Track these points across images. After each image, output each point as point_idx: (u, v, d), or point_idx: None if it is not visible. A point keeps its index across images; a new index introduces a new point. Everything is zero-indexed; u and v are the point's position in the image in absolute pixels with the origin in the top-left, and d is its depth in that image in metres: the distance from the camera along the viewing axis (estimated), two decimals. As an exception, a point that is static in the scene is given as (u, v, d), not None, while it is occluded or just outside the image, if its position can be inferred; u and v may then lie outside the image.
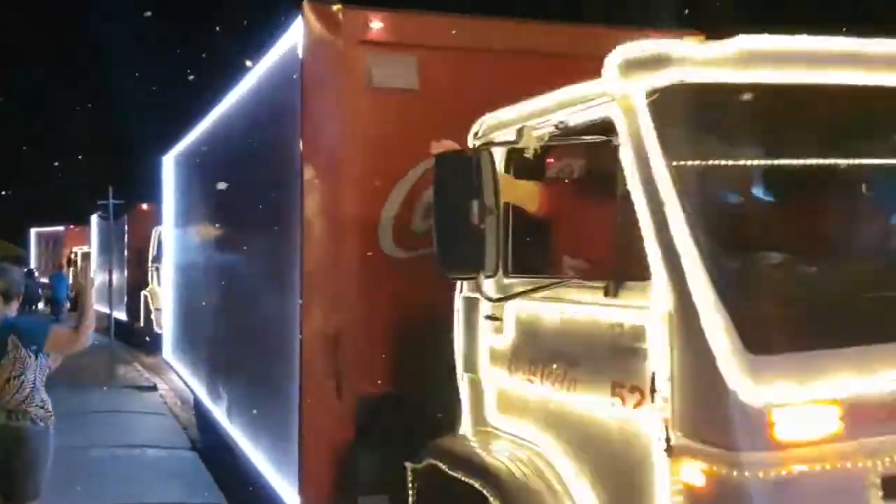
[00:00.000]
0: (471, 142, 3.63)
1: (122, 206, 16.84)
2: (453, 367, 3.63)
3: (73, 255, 33.58)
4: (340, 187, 4.43)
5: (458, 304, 3.64)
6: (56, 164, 43.84)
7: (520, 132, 3.06)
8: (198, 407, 8.71)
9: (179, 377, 9.89)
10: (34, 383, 4.41)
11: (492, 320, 3.37)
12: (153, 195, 18.28)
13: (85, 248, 32.13)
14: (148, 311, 18.17)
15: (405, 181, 4.43)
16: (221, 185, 6.62)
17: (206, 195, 7.81)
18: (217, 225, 7.33)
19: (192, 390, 8.81)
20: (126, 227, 19.83)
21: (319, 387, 4.36)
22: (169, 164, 10.54)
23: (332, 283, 4.43)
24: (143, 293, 18.58)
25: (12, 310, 4.54)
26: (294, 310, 4.56)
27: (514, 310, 3.26)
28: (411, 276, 4.26)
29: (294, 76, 4.53)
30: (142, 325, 18.92)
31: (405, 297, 4.29)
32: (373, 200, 4.44)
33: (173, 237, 10.36)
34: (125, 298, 19.98)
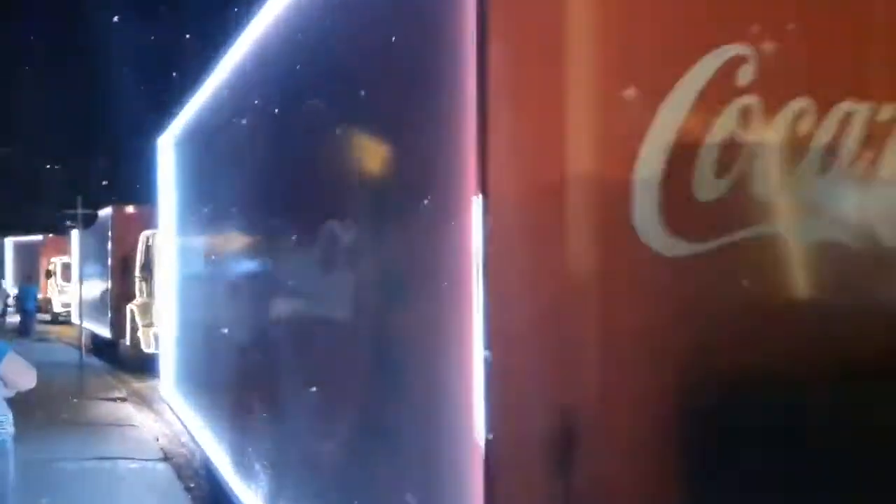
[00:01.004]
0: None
1: (91, 216, 15.63)
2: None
3: (51, 266, 31.33)
4: (547, 132, 2.23)
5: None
6: (32, 166, 41.58)
7: None
8: (212, 479, 6.21)
9: (186, 429, 7.48)
10: None
11: None
12: (140, 195, 16.52)
13: (65, 259, 30.10)
14: (134, 327, 15.88)
15: (675, 103, 2.25)
16: (310, 111, 4.03)
17: (234, 177, 5.54)
18: (261, 218, 4.92)
19: (203, 451, 6.49)
20: (110, 234, 17.53)
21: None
22: (167, 148, 8.21)
23: (541, 319, 2.23)
24: (128, 307, 16.29)
25: None
26: (451, 361, 2.35)
27: None
28: (707, 295, 2.20)
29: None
30: (127, 342, 16.61)
31: (700, 343, 2.18)
32: (614, 150, 2.28)
33: (177, 239, 8.00)
34: (108, 313, 17.63)
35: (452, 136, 2.29)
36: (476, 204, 2.16)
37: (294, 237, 4.15)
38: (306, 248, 3.82)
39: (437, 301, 2.42)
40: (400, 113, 2.79)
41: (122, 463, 8.24)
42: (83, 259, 21.19)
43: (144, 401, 12.56)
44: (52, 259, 31.55)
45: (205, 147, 6.68)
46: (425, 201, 2.51)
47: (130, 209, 17.71)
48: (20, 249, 37.67)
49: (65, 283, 30.52)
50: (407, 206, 2.65)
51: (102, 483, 7.55)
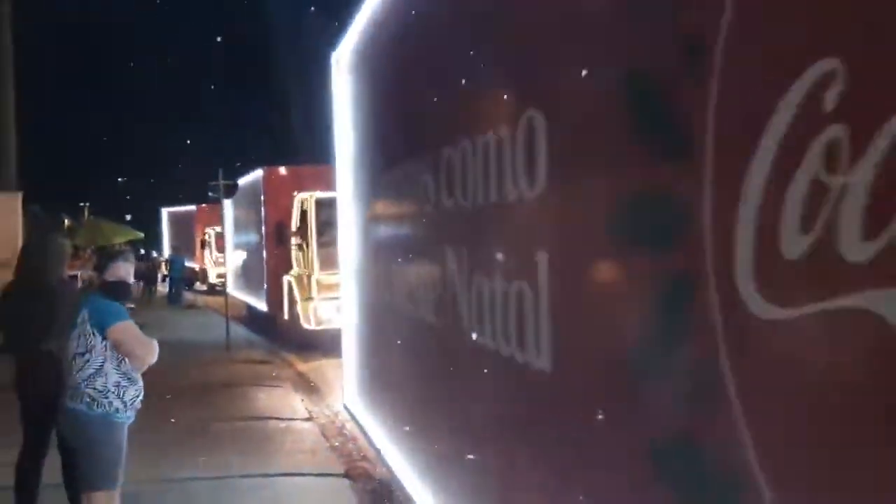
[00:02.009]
0: None
1: (232, 186, 14.68)
2: None
3: (206, 236, 30.84)
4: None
5: None
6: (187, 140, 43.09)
7: None
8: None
9: (383, 461, 5.21)
10: (101, 366, 4.11)
11: None
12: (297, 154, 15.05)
13: (219, 228, 29.54)
14: (292, 301, 14.32)
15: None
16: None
17: (451, 101, 3.32)
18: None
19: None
20: (262, 199, 16.06)
21: None
22: (344, 66, 6.01)
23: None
24: (285, 279, 14.75)
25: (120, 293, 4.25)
26: None
27: None
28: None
29: None
30: (286, 317, 15.14)
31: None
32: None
33: (364, 191, 5.70)
34: (264, 285, 16.24)
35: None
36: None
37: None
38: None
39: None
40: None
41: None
42: (235, 227, 20.15)
43: (305, 389, 10.83)
44: (207, 229, 31.06)
45: (404, 61, 4.50)
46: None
47: (283, 170, 16.18)
48: (175, 220, 37.75)
49: (220, 254, 30.01)
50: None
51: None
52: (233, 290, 20.86)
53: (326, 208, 14.29)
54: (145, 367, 4.23)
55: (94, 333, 4.12)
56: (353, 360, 6.42)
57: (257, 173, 16.58)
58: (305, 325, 13.58)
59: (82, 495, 4.15)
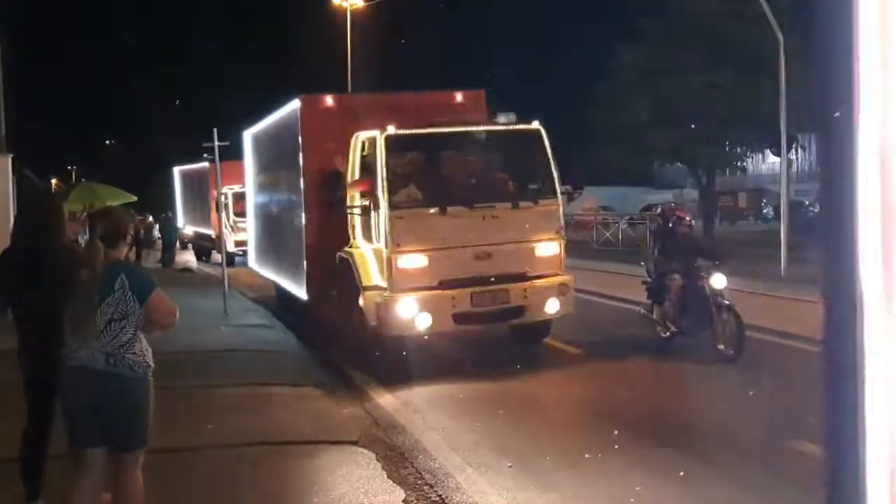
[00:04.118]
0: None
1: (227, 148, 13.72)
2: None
3: (222, 197, 26.10)
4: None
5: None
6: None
7: None
8: None
9: None
10: (135, 332, 4.27)
11: None
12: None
13: (237, 188, 24.96)
14: (353, 290, 9.62)
15: None
16: None
17: None
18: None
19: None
20: (300, 142, 11.28)
21: None
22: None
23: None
24: (339, 255, 10.04)
25: (121, 253, 4.46)
26: None
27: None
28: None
29: None
30: (339, 311, 10.44)
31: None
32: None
33: None
34: (303, 262, 11.50)
35: None
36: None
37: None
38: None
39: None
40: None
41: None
42: (259, 184, 15.51)
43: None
44: (223, 189, 26.32)
45: None
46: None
47: (329, 100, 11.38)
48: (187, 179, 33.03)
49: (239, 219, 25.35)
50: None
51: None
52: (256, 264, 16.17)
53: (404, 152, 9.56)
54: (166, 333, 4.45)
55: (133, 300, 4.22)
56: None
57: (291, 107, 11.81)
58: (380, 328, 8.93)
59: (124, 455, 4.26)
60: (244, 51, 44.75)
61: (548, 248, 9.23)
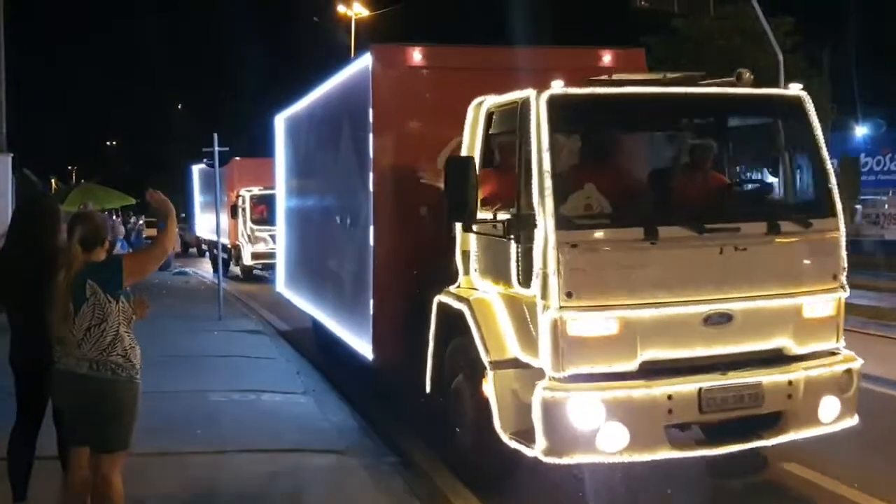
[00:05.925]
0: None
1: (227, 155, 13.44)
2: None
3: (238, 201, 22.28)
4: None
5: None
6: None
7: None
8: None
9: None
10: (116, 331, 4.25)
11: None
12: None
13: (256, 190, 21.28)
14: (465, 363, 5.70)
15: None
16: None
17: None
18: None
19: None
20: (370, 119, 7.33)
21: None
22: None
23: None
24: (442, 300, 6.10)
25: (98, 257, 4.35)
26: None
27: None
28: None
29: None
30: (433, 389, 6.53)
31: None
32: None
33: None
34: (369, 302, 7.52)
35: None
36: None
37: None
38: None
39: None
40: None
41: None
42: (297, 183, 11.45)
43: None
44: (241, 191, 22.49)
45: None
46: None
47: (417, 53, 7.37)
48: (206, 179, 29.25)
49: (257, 226, 21.51)
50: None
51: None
52: (286, 288, 12.15)
53: (577, 129, 5.73)
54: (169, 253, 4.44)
55: (108, 299, 4.20)
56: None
57: (355, 68, 7.89)
58: (515, 439, 5.00)
59: (102, 456, 4.26)
60: (245, 53, 43.01)
61: (821, 304, 5.23)
